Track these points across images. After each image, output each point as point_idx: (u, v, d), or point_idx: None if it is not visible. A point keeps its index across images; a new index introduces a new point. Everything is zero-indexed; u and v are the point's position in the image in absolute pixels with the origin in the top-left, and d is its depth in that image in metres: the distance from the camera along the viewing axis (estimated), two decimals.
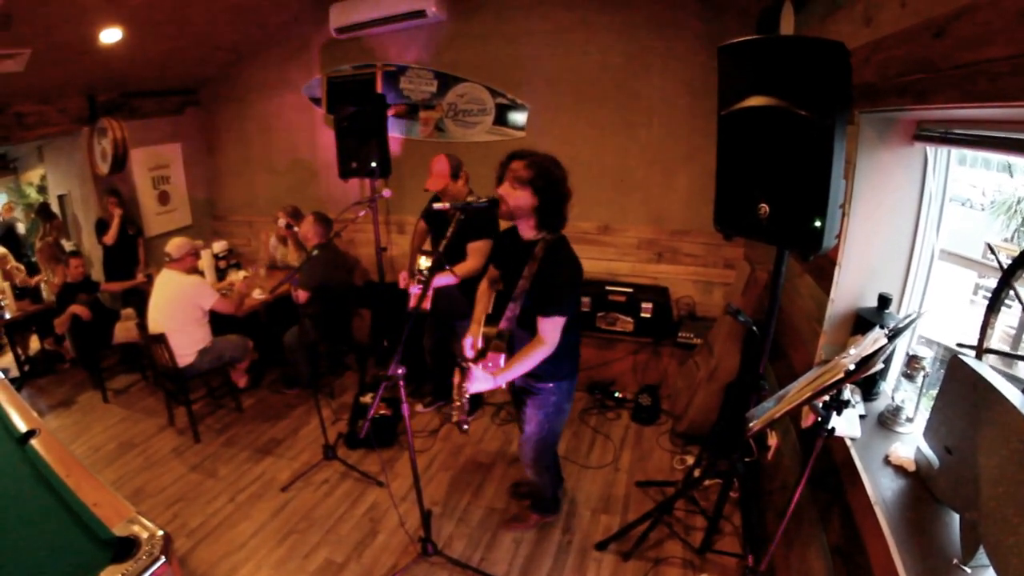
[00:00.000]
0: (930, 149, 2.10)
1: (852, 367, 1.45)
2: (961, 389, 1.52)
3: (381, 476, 3.51)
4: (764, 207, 1.82)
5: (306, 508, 3.31)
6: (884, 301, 2.17)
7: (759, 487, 3.03)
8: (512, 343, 2.43)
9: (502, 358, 2.36)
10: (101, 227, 5.01)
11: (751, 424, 1.70)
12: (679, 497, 2.95)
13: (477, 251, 3.35)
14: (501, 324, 2.39)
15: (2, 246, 5.79)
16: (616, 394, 4.32)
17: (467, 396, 2.36)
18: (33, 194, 6.72)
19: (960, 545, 1.48)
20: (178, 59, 4.90)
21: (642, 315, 4.16)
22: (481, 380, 2.30)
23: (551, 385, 2.55)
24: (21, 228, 6.44)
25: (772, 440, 2.82)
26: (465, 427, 2.42)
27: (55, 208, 5.59)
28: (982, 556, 1.39)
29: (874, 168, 2.14)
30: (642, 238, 4.39)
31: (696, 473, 3.21)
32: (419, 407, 4.29)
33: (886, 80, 1.85)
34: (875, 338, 1.49)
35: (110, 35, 3.88)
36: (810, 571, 2.18)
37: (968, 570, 1.42)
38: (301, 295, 3.99)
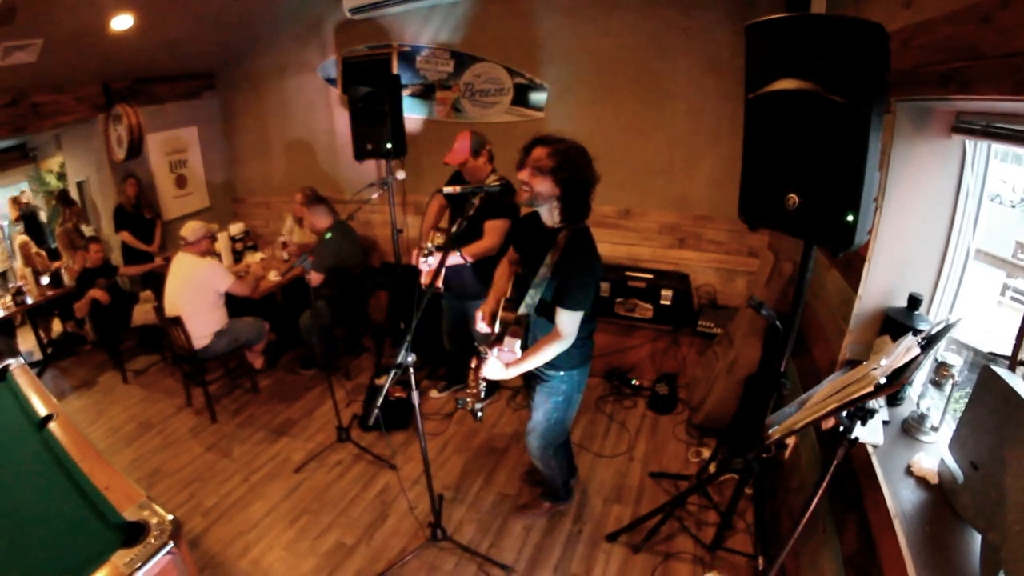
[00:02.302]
0: (969, 142, 1.97)
1: (883, 381, 1.36)
2: (992, 402, 1.43)
3: (394, 459, 3.51)
4: (793, 198, 1.71)
5: (318, 489, 3.33)
6: (914, 302, 2.06)
7: (775, 485, 2.97)
8: (529, 329, 2.40)
9: (518, 344, 2.33)
10: (119, 214, 5.05)
11: (771, 431, 1.63)
12: (692, 493, 2.90)
13: (494, 230, 3.31)
14: (520, 310, 2.34)
15: (25, 233, 5.90)
16: (633, 381, 4.26)
17: (483, 383, 2.34)
18: (53, 181, 6.79)
19: (979, 567, 1.40)
20: (192, 43, 4.89)
21: (662, 302, 4.08)
22: (495, 370, 2.28)
23: (562, 374, 2.50)
24: (43, 215, 6.52)
25: (790, 438, 2.75)
26: (479, 414, 2.39)
27: (74, 195, 5.65)
28: None
29: (909, 160, 2.02)
30: (664, 223, 4.29)
31: (711, 468, 3.16)
32: (434, 392, 4.28)
33: (927, 67, 1.72)
34: (907, 347, 1.39)
35: (121, 22, 3.88)
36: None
37: None
38: (314, 278, 3.98)
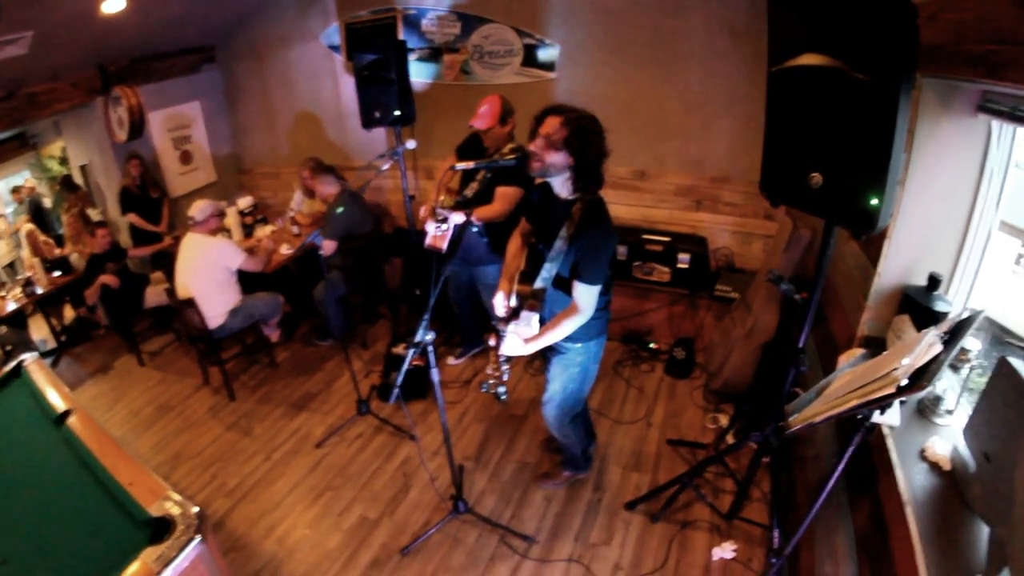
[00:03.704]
0: (995, 122, 1.88)
1: (905, 382, 1.31)
2: (1007, 395, 1.39)
3: (414, 430, 3.54)
4: (816, 177, 1.63)
5: (340, 464, 3.37)
6: (934, 282, 2.01)
7: (791, 454, 2.96)
8: (546, 303, 2.36)
9: (535, 317, 2.31)
10: (125, 196, 4.99)
11: (791, 419, 1.59)
12: (710, 464, 2.90)
13: (505, 197, 3.25)
14: (536, 284, 2.30)
15: (31, 222, 5.88)
16: (651, 345, 4.24)
17: (503, 362, 2.31)
18: (56, 167, 6.71)
19: (985, 560, 1.38)
20: (189, 18, 4.75)
21: (679, 266, 4.01)
22: (515, 346, 2.27)
23: (579, 346, 2.48)
24: (47, 202, 6.48)
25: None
26: (504, 397, 2.38)
27: (78, 179, 5.60)
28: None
29: (934, 138, 1.94)
30: (680, 185, 4.18)
31: (729, 438, 3.15)
32: (450, 359, 4.28)
33: (956, 45, 1.63)
34: (929, 343, 1.34)
35: (113, 4, 3.75)
36: (835, 559, 2.11)
37: None
38: (328, 246, 3.95)
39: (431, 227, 3.19)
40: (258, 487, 3.25)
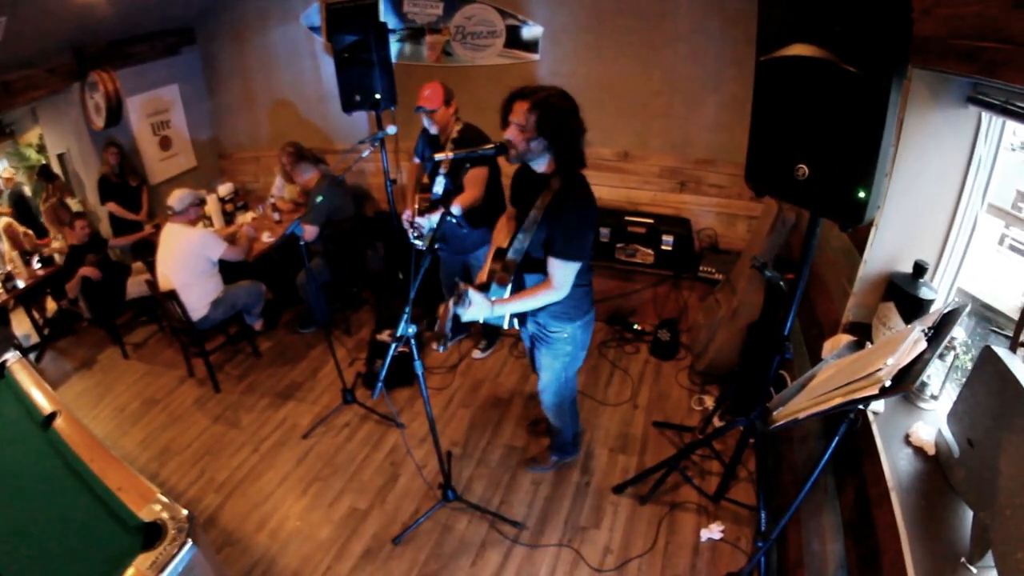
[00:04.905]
0: (985, 114, 1.88)
1: (888, 383, 1.33)
2: (991, 383, 1.41)
3: (400, 417, 3.55)
4: (803, 168, 1.63)
5: (328, 454, 3.37)
6: (920, 269, 2.03)
7: (777, 434, 3.02)
8: (520, 278, 2.33)
9: (506, 291, 2.27)
10: (104, 185, 4.89)
11: (775, 413, 1.62)
12: (696, 448, 2.95)
13: (475, 180, 3.28)
14: (508, 255, 2.26)
15: (14, 214, 5.72)
16: (635, 326, 4.27)
17: (449, 322, 2.17)
18: (34, 155, 6.54)
19: (969, 543, 1.42)
20: None
21: (663, 247, 4.02)
22: (478, 305, 2.13)
23: (565, 335, 2.48)
24: (27, 190, 6.30)
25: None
26: (438, 348, 2.27)
27: (55, 167, 5.45)
28: (990, 558, 1.33)
29: (922, 129, 1.94)
30: (664, 166, 4.16)
31: (715, 421, 3.20)
32: (435, 345, 4.27)
33: (949, 39, 1.61)
34: (914, 340, 1.35)
35: None
36: (822, 543, 2.15)
37: (974, 570, 1.37)
38: (310, 231, 3.92)
39: (414, 240, 3.26)
40: (247, 480, 3.25)
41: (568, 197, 2.15)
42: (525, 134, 2.07)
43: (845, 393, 1.45)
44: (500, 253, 2.36)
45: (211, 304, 3.90)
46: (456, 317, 2.16)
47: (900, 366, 1.33)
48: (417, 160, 3.71)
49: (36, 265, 4.78)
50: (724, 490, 2.80)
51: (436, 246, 3.30)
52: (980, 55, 1.49)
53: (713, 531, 2.72)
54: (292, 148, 4.35)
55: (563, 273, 2.20)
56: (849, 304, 2.29)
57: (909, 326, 1.54)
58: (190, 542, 1.70)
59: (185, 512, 1.78)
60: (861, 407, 1.59)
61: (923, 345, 1.36)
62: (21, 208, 6.02)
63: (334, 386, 3.83)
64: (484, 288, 2.25)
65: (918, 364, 1.33)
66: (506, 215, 2.62)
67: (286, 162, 4.34)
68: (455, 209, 3.13)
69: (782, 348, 2.13)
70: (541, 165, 2.21)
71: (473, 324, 3.90)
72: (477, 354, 4.20)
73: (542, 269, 2.26)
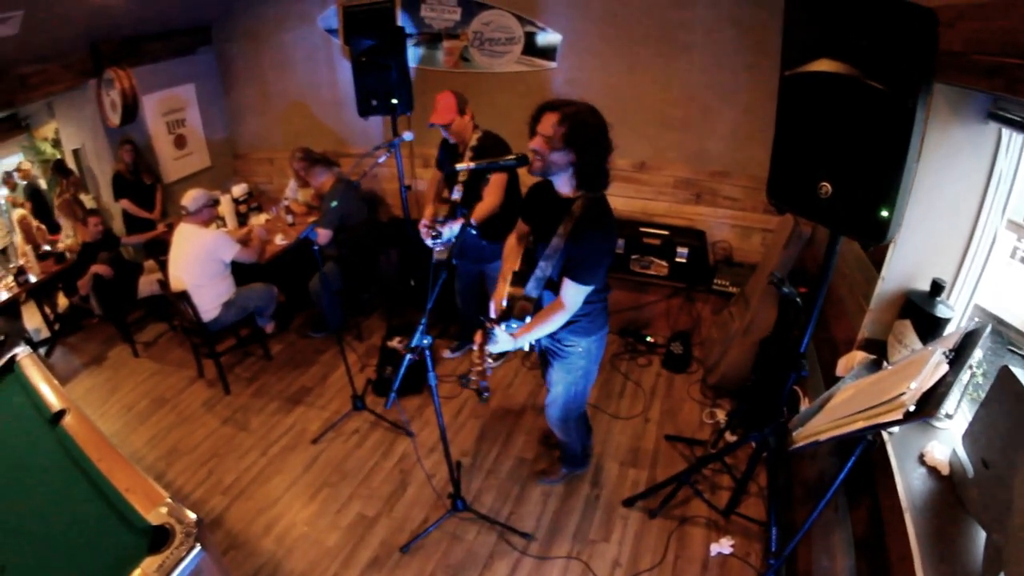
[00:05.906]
0: (1005, 130, 1.86)
1: (912, 408, 1.30)
2: (1008, 403, 1.39)
3: (410, 426, 3.52)
4: (826, 186, 1.61)
5: (337, 460, 3.35)
6: (937, 288, 2.00)
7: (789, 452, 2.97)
8: (541, 304, 2.31)
9: (528, 319, 2.25)
10: (118, 182, 4.90)
11: (794, 434, 1.59)
12: (708, 463, 2.91)
13: (494, 187, 3.26)
14: (529, 284, 2.26)
15: (29, 207, 5.75)
16: (648, 339, 4.23)
17: (489, 360, 2.22)
18: (49, 150, 6.56)
19: (982, 564, 1.39)
20: None
21: (677, 259, 4.00)
22: (503, 341, 2.19)
23: (579, 349, 2.45)
24: (42, 183, 6.35)
25: (804, 403, 2.73)
26: (486, 395, 2.30)
27: (70, 163, 5.48)
28: None
29: (943, 145, 1.92)
30: (679, 177, 4.14)
31: (727, 436, 3.16)
32: (446, 352, 4.26)
33: (973, 55, 1.59)
34: (936, 364, 1.32)
35: None
36: (832, 560, 2.12)
37: None
38: (323, 235, 3.91)
39: (429, 242, 3.20)
40: (255, 483, 3.23)
41: (590, 222, 2.12)
42: (551, 145, 2.04)
43: (868, 417, 1.42)
44: (519, 278, 2.35)
45: (223, 305, 3.90)
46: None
47: (923, 390, 1.30)
48: (439, 170, 3.70)
49: (45, 249, 4.80)
50: (735, 505, 2.77)
51: (453, 261, 3.31)
52: (1004, 71, 1.47)
53: (723, 545, 2.69)
54: (302, 153, 4.35)
55: (575, 294, 2.18)
56: (865, 321, 2.26)
57: (929, 347, 1.52)
58: (198, 547, 1.68)
59: (193, 516, 1.76)
60: (875, 442, 1.56)
61: (945, 368, 1.33)
62: (36, 202, 6.06)
63: (344, 392, 3.81)
64: (505, 316, 2.27)
65: (941, 388, 1.31)
66: (516, 233, 2.59)
67: (299, 167, 4.35)
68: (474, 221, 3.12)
69: (798, 366, 2.10)
70: (563, 185, 2.17)
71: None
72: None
73: (557, 289, 2.25)
